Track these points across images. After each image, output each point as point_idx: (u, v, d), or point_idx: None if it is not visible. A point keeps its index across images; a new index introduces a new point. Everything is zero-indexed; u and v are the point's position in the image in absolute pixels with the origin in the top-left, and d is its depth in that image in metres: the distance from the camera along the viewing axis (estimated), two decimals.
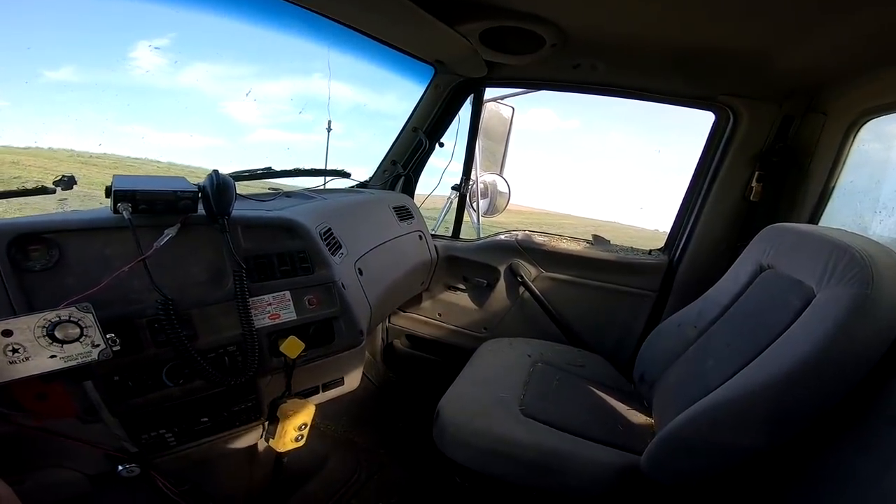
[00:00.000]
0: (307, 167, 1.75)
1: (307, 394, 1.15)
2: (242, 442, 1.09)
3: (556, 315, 1.85)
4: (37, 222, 0.81)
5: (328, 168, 1.83)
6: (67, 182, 1.16)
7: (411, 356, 2.16)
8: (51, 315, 0.67)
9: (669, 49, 1.35)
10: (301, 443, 1.10)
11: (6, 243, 0.76)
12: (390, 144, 2.01)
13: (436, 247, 1.94)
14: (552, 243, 1.90)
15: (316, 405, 1.12)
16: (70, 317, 0.68)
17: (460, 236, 2.05)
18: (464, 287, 2.01)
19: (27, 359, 0.66)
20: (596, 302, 1.83)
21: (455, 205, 2.08)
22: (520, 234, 1.95)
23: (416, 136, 1.93)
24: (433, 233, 2.03)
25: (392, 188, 2.03)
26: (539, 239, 1.92)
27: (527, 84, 1.88)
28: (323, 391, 1.20)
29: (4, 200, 1.03)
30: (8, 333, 0.64)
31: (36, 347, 0.66)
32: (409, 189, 2.04)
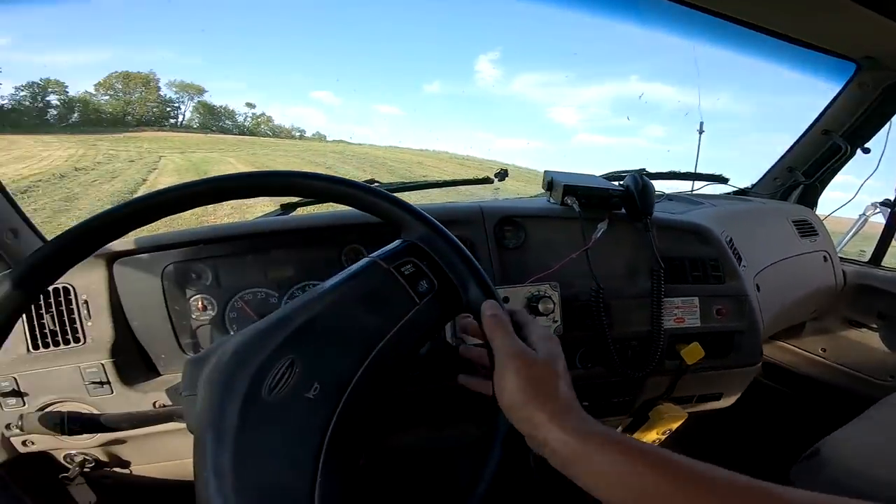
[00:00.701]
0: (682, 171, 1.69)
1: (681, 401, 1.13)
2: None
3: None
4: (512, 207, 1.01)
5: (699, 172, 1.72)
6: (502, 175, 1.43)
7: (763, 387, 1.85)
8: (534, 289, 0.84)
9: None
10: None
11: (494, 223, 0.97)
12: (785, 150, 1.72)
13: (843, 272, 1.57)
14: None
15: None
16: (546, 292, 0.84)
17: (882, 264, 1.61)
18: (875, 325, 1.58)
19: None
20: None
21: (871, 223, 1.64)
22: None
23: (828, 140, 1.59)
24: (840, 255, 1.66)
25: (784, 198, 1.75)
26: None
27: None
28: (696, 402, 1.16)
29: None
30: (506, 300, 0.83)
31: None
32: (810, 200, 1.71)
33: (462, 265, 0.53)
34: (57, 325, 0.84)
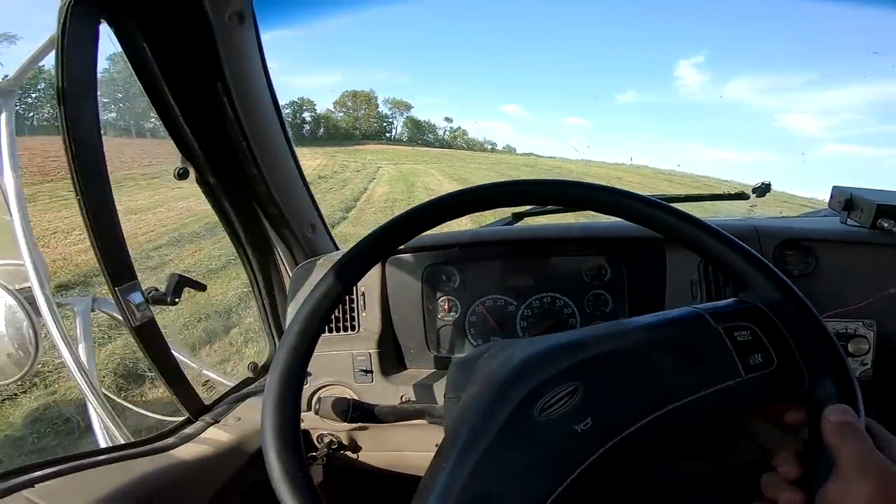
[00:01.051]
0: None
1: None
2: None
3: None
4: (796, 228, 0.86)
5: None
6: (762, 190, 1.22)
7: None
8: (840, 325, 0.69)
9: None
10: None
11: (774, 246, 0.83)
12: None
13: None
14: None
15: None
16: (858, 331, 0.68)
17: None
18: None
19: None
20: None
21: None
22: None
23: None
24: None
25: None
26: None
27: None
28: None
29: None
30: None
31: None
32: None
33: (823, 353, 0.42)
34: (340, 312, 0.95)
